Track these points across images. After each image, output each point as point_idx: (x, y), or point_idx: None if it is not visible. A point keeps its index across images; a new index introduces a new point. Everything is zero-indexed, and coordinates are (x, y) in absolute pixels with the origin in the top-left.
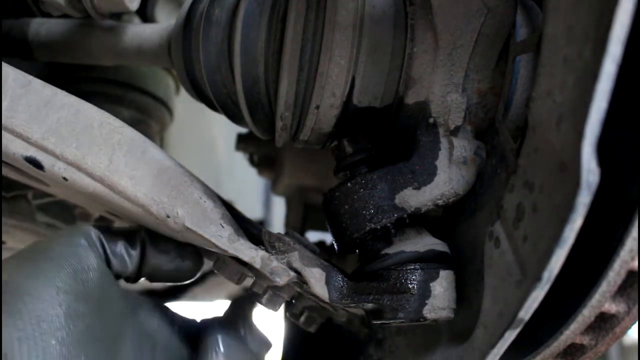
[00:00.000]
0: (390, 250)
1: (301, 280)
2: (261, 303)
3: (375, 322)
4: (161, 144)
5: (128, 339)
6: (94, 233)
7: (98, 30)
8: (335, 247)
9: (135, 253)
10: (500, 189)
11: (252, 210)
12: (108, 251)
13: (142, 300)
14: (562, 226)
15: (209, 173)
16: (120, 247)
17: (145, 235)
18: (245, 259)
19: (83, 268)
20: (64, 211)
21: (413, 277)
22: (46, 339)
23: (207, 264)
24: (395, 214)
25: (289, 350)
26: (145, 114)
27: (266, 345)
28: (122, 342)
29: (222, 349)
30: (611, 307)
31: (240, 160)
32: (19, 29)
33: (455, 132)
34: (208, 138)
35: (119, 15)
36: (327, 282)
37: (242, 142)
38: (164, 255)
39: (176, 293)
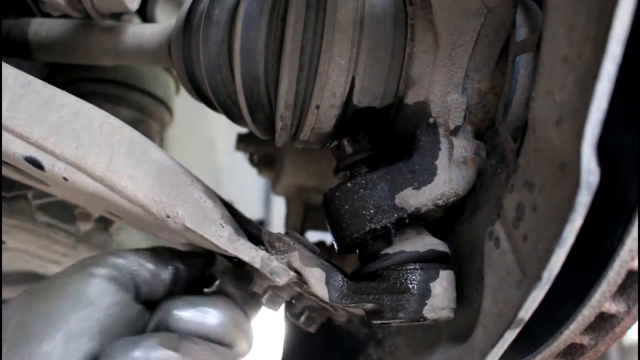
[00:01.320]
0: (390, 250)
1: (301, 280)
2: (261, 303)
3: (375, 322)
4: (161, 144)
5: None
6: (119, 261)
7: (98, 30)
8: (335, 247)
9: (166, 274)
10: (500, 189)
11: (252, 210)
12: (137, 279)
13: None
14: (562, 226)
15: (209, 173)
16: (150, 271)
17: (175, 256)
18: (245, 259)
19: (100, 306)
20: (64, 211)
21: (413, 277)
22: None
23: None
24: (395, 214)
25: (289, 350)
26: (145, 114)
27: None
28: None
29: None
30: (611, 307)
31: (240, 160)
32: (19, 29)
33: (455, 132)
34: (208, 138)
35: (119, 15)
36: (327, 282)
37: (242, 142)
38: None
39: None
